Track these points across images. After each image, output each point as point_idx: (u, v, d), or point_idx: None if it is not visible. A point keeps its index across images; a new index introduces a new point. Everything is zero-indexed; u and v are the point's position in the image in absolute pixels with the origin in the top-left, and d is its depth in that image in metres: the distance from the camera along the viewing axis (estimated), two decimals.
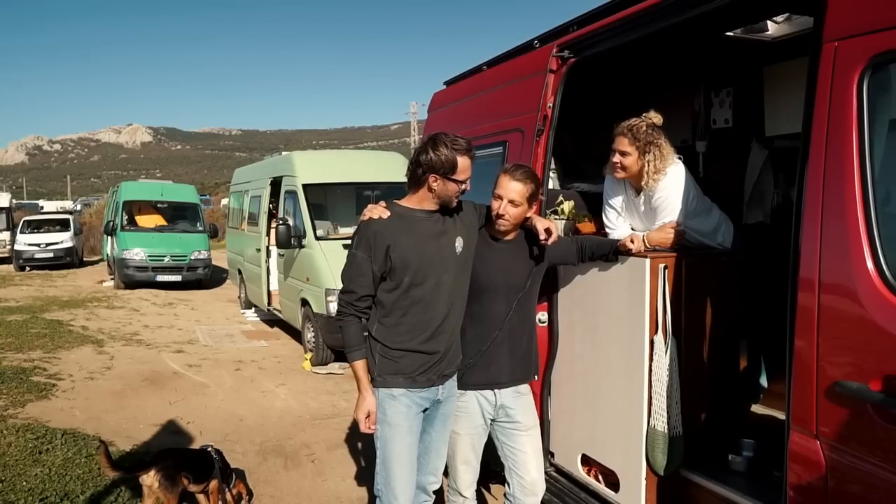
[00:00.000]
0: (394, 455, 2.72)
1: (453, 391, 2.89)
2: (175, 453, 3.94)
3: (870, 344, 1.93)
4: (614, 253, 3.07)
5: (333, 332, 7.58)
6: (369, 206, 2.83)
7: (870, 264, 1.92)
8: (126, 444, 5.11)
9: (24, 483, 4.25)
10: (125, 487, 4.22)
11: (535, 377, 3.22)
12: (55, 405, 6.14)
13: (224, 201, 47.35)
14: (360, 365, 2.72)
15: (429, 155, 2.67)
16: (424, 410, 2.80)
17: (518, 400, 3.02)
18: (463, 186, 2.73)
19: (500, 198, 2.85)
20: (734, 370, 3.37)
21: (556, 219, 3.68)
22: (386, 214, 2.73)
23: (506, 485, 3.10)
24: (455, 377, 2.89)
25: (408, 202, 2.81)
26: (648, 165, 3.11)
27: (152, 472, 3.61)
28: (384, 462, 2.74)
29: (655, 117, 3.18)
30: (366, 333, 2.77)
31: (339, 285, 8.08)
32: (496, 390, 2.98)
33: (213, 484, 3.80)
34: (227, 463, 4.02)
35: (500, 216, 2.87)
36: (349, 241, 8.91)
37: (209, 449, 3.98)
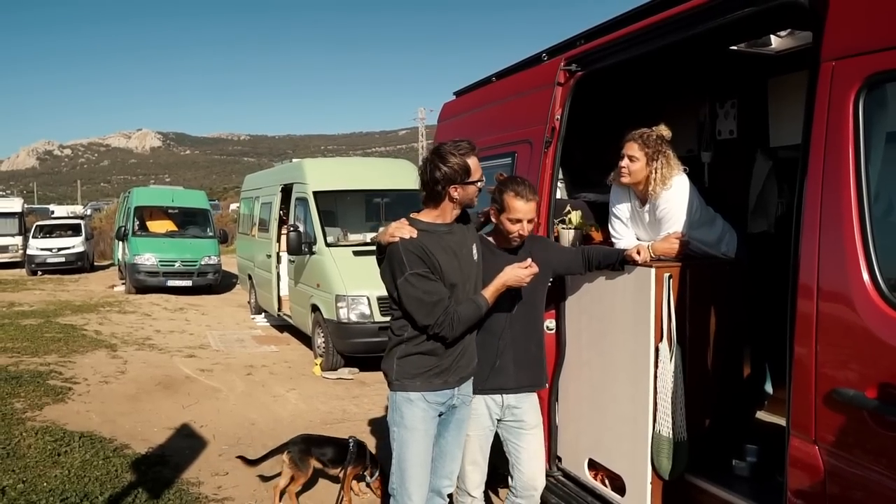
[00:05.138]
0: (410, 457, 2.80)
1: (469, 395, 2.98)
2: (310, 438, 4.44)
3: (865, 352, 2.00)
4: (621, 263, 3.17)
5: (344, 337, 7.68)
6: (392, 225, 2.81)
7: (865, 276, 2.00)
8: (142, 447, 5.21)
9: (45, 484, 4.36)
10: (142, 489, 4.33)
11: (545, 385, 3.32)
12: (71, 408, 6.27)
13: (233, 206, 47.66)
14: (484, 292, 2.83)
15: (442, 169, 2.73)
16: (440, 415, 2.88)
17: (524, 400, 3.14)
18: (480, 185, 2.82)
19: (520, 220, 2.96)
20: (738, 377, 3.43)
21: (563, 228, 3.78)
22: (415, 233, 2.75)
23: (509, 477, 3.21)
24: (471, 381, 2.98)
25: (427, 217, 2.86)
26: (655, 173, 3.21)
27: (286, 454, 4.22)
28: (399, 463, 2.83)
29: (665, 131, 3.29)
30: (399, 335, 2.82)
31: (349, 291, 8.08)
32: (504, 395, 3.09)
33: (349, 471, 4.21)
34: (373, 458, 4.33)
35: (521, 236, 3.01)
36: (359, 248, 8.89)
37: (350, 440, 4.31)
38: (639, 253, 3.09)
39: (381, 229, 8.25)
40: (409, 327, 2.78)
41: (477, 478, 3.12)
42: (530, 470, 3.14)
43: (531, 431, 3.14)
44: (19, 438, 5.23)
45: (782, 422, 3.43)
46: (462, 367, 2.88)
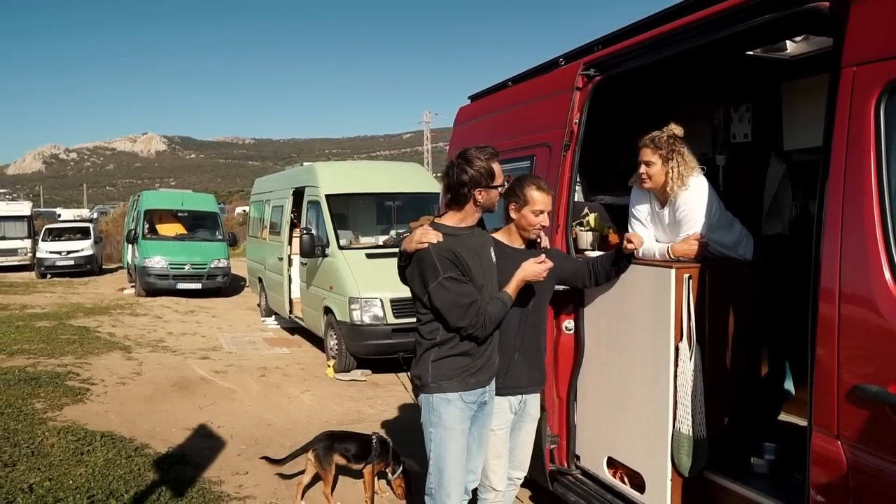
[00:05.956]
0: (448, 456, 2.87)
1: (493, 392, 3.06)
2: (333, 434, 4.51)
3: (888, 350, 2.06)
4: (620, 256, 3.27)
5: (357, 339, 7.75)
6: (417, 232, 2.85)
7: (888, 275, 2.06)
8: (162, 447, 5.28)
9: (71, 482, 4.44)
10: (166, 487, 4.41)
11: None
12: (90, 409, 6.35)
13: (238, 210, 47.81)
14: (506, 289, 2.92)
15: (469, 172, 2.81)
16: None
17: (533, 398, 3.30)
18: (502, 190, 2.92)
19: (542, 211, 3.09)
20: (756, 376, 3.49)
21: (581, 230, 3.85)
22: (441, 237, 2.80)
23: None
24: (494, 378, 3.06)
25: (450, 220, 2.93)
26: (672, 172, 3.28)
27: (311, 452, 4.31)
28: (438, 463, 2.89)
29: (677, 129, 3.37)
30: (431, 339, 2.88)
31: (363, 293, 8.16)
32: (521, 393, 3.21)
33: (368, 468, 4.30)
34: (396, 454, 4.38)
35: (542, 227, 3.13)
36: (372, 251, 8.98)
37: (373, 436, 4.39)
38: (630, 242, 3.19)
39: (397, 233, 8.35)
40: (440, 330, 2.84)
41: (502, 471, 3.22)
42: (524, 455, 3.35)
43: (531, 423, 3.32)
44: (42, 438, 5.31)
45: (799, 422, 3.52)
46: (491, 365, 2.97)
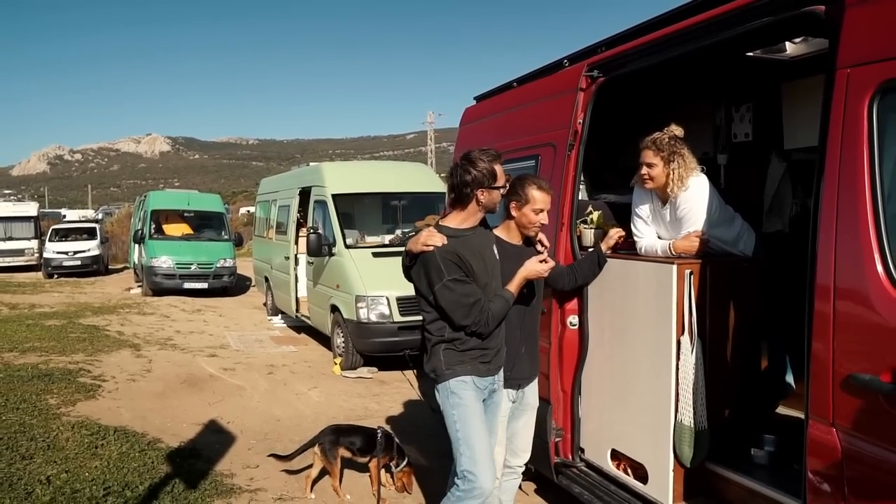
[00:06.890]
0: (474, 430, 2.94)
1: (501, 382, 3.17)
2: (339, 428, 4.63)
3: (881, 341, 2.14)
4: (598, 256, 3.52)
5: (364, 337, 7.85)
6: (423, 234, 2.95)
7: (879, 267, 2.15)
8: (173, 442, 5.38)
9: (87, 474, 4.54)
10: (179, 479, 4.51)
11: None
12: (102, 404, 6.46)
13: (242, 210, 48.00)
14: (509, 287, 3.04)
15: (472, 173, 2.91)
16: (483, 400, 3.06)
17: (532, 387, 3.42)
18: (503, 191, 3.01)
19: (542, 210, 3.20)
20: (756, 370, 3.57)
21: (585, 228, 3.93)
22: (445, 240, 2.90)
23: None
24: (503, 370, 3.16)
25: (453, 221, 3.04)
26: (673, 173, 3.37)
27: (317, 446, 4.43)
28: (467, 440, 2.94)
29: (677, 129, 3.46)
30: (440, 335, 2.97)
31: (369, 292, 8.24)
32: (521, 384, 3.34)
33: (373, 462, 4.38)
34: (400, 449, 4.47)
35: (542, 225, 3.24)
36: (378, 250, 9.04)
37: (378, 430, 4.47)
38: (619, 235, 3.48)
39: (403, 233, 8.46)
40: (447, 328, 2.95)
41: (500, 458, 3.33)
42: (524, 443, 3.45)
43: (530, 412, 3.44)
44: (57, 432, 5.42)
45: (798, 415, 3.60)
46: (500, 357, 3.08)
